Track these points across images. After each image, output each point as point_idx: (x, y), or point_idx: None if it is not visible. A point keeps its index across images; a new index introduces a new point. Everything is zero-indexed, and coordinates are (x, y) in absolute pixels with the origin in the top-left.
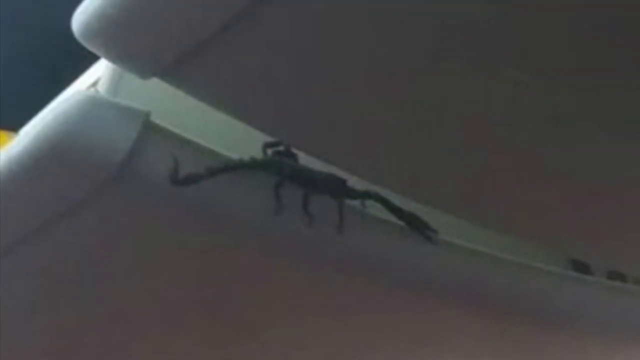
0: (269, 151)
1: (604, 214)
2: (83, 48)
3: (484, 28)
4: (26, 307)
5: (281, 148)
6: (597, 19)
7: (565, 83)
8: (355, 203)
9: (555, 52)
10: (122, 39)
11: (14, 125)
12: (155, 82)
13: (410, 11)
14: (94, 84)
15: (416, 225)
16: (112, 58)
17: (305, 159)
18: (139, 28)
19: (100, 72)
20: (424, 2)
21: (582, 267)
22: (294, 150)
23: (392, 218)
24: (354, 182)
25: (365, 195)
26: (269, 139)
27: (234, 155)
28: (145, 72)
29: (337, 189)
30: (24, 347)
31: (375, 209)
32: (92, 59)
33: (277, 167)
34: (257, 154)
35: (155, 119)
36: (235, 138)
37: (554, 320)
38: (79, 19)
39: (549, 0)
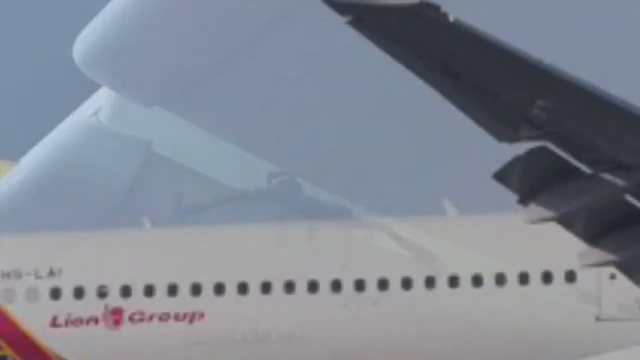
0: (274, 181)
1: None
2: (84, 76)
3: None
4: None
5: (286, 178)
6: None
7: None
8: None
9: None
10: (125, 67)
11: (15, 154)
12: (157, 110)
13: None
14: (96, 113)
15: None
16: (114, 86)
17: (309, 189)
18: (142, 57)
19: (101, 100)
20: None
21: None
22: (299, 180)
23: (398, 249)
24: (360, 211)
25: None
26: (273, 169)
27: (238, 185)
28: (147, 100)
29: None
30: None
31: (381, 238)
32: (93, 87)
33: (282, 197)
34: (262, 184)
35: (158, 148)
36: (239, 168)
37: None
38: (80, 47)
39: None
